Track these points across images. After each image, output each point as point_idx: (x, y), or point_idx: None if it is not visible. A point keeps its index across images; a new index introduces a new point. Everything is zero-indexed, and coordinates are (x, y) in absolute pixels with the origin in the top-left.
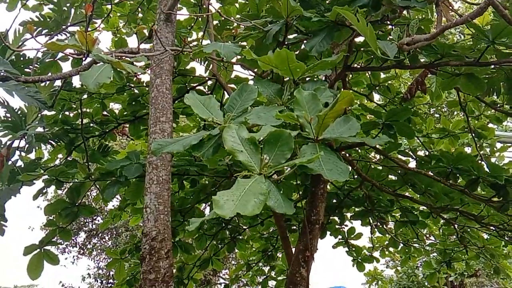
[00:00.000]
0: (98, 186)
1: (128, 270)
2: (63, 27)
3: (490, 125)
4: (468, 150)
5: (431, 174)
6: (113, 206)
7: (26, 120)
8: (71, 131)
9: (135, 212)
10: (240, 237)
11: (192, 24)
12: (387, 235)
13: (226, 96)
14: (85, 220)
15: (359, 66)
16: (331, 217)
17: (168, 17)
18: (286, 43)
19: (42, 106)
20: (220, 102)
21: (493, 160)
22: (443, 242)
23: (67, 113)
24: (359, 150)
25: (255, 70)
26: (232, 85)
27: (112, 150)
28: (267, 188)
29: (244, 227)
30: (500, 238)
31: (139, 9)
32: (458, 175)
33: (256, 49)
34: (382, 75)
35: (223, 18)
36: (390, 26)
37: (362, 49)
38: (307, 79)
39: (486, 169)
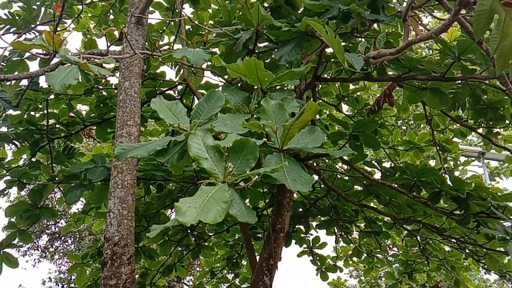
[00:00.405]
0: (61, 189)
1: (90, 275)
2: (32, 26)
3: (455, 139)
4: (432, 163)
5: (396, 185)
6: (77, 209)
7: None
8: (36, 131)
9: (98, 216)
10: (205, 244)
11: (164, 28)
12: (351, 245)
13: (196, 101)
14: (48, 223)
15: (328, 77)
16: (296, 226)
17: (139, 20)
18: (256, 51)
19: (7, 105)
20: (190, 107)
21: (456, 173)
22: (406, 253)
23: (32, 113)
24: (326, 160)
25: (225, 76)
26: (203, 91)
27: (77, 152)
28: (230, 196)
29: (210, 233)
30: (461, 251)
31: (111, 11)
32: (421, 187)
33: (226, 56)
34: (351, 86)
35: (195, 23)
36: (360, 38)
37: (332, 60)
38: (277, 87)
39: (449, 183)
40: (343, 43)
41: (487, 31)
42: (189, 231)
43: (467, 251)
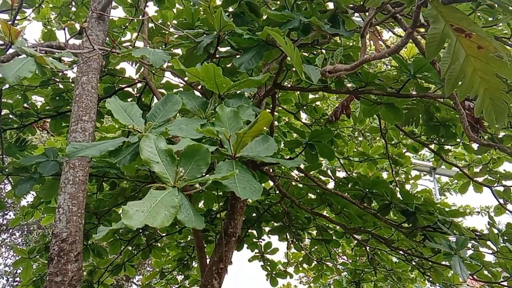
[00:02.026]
0: (11, 181)
1: (36, 271)
2: None
3: (407, 153)
4: (385, 175)
5: (348, 196)
6: (26, 202)
7: None
8: None
9: (48, 211)
10: (157, 244)
11: (127, 24)
12: (302, 251)
13: (156, 100)
14: None
15: (288, 85)
16: (249, 230)
17: (100, 15)
18: (217, 55)
19: None
20: (149, 106)
21: (407, 187)
22: (354, 263)
23: None
24: (282, 167)
25: (186, 78)
26: (162, 90)
27: (30, 145)
28: (179, 201)
29: (162, 234)
30: (407, 263)
31: (73, 3)
32: (372, 199)
33: (187, 59)
34: (310, 96)
35: (157, 24)
36: (321, 50)
37: (292, 69)
38: (235, 94)
39: (399, 196)
40: (304, 53)
41: (440, 51)
42: (140, 231)
43: (413, 263)
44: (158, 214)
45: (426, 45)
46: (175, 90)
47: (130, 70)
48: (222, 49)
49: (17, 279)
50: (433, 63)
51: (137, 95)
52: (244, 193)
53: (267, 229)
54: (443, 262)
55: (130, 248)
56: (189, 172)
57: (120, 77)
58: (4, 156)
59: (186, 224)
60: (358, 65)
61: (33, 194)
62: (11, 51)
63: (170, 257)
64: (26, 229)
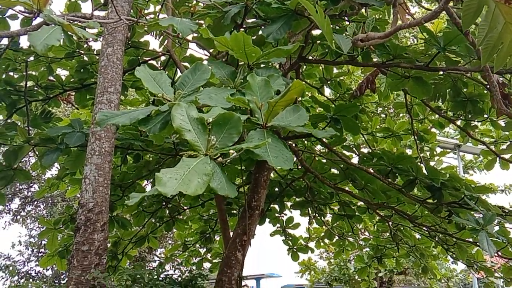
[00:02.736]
0: (37, 153)
1: (61, 241)
2: None
3: (433, 129)
4: (409, 152)
5: (372, 171)
6: (51, 175)
7: None
8: (14, 92)
9: (73, 183)
10: (180, 217)
11: None
12: (324, 227)
13: (179, 73)
14: (20, 187)
15: (313, 59)
16: (271, 205)
17: None
18: (244, 26)
19: None
20: (171, 79)
21: (432, 163)
22: (377, 238)
23: (11, 73)
24: (305, 142)
25: (211, 50)
26: (186, 64)
27: (55, 117)
28: (211, 169)
29: (185, 207)
30: (431, 239)
31: None
32: (397, 174)
33: (213, 29)
34: (335, 70)
35: None
36: (347, 22)
37: (318, 41)
38: (262, 65)
39: (425, 171)
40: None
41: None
42: (164, 203)
43: (436, 239)
44: (191, 181)
45: (463, 13)
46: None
47: (153, 43)
48: (249, 20)
49: (42, 250)
50: (466, 34)
51: (161, 68)
52: (276, 161)
53: (289, 204)
54: (468, 239)
55: (153, 220)
56: (220, 140)
57: (144, 50)
58: (30, 128)
59: (219, 191)
60: (392, 32)
61: (57, 167)
62: (38, 20)
63: (192, 230)
64: (50, 201)
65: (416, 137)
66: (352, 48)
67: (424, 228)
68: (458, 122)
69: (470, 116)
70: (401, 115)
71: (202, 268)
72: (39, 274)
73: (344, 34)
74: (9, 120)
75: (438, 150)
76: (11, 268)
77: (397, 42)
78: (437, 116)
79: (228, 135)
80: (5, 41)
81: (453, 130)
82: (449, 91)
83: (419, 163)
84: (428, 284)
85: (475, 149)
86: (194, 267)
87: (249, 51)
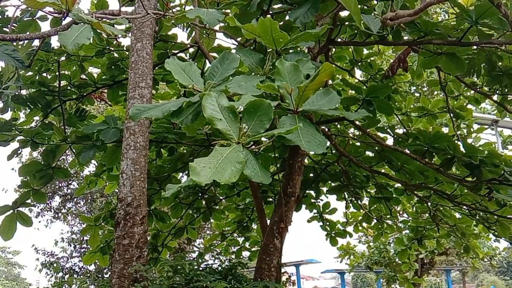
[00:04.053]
0: (74, 150)
1: (102, 237)
2: None
3: (469, 106)
4: (445, 130)
5: (408, 152)
6: (89, 172)
7: (2, 79)
8: (48, 93)
9: (110, 179)
10: (216, 207)
11: None
12: (361, 210)
13: (208, 64)
14: (60, 185)
15: (342, 41)
16: (307, 191)
17: None
18: (270, 12)
19: (19, 65)
20: (201, 70)
21: (469, 141)
22: (416, 220)
23: (44, 74)
24: (338, 125)
25: (238, 39)
26: (214, 54)
27: (89, 115)
28: (244, 157)
29: (221, 197)
30: (471, 218)
31: None
32: (434, 153)
33: (240, 17)
34: (365, 51)
35: None
36: (375, 1)
37: (346, 23)
38: (290, 50)
39: (462, 149)
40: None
41: None
42: (200, 194)
43: (477, 218)
44: (225, 169)
45: None
46: None
47: (181, 36)
48: (275, 6)
49: (84, 245)
50: (498, 6)
51: (190, 60)
52: (309, 146)
53: (325, 189)
54: (510, 216)
55: (190, 211)
56: (252, 127)
57: (173, 43)
58: (66, 127)
59: (253, 178)
60: (422, 9)
61: (95, 164)
62: (67, 20)
63: (230, 220)
64: (90, 198)
65: (452, 115)
66: (382, 28)
67: (464, 207)
68: (495, 97)
69: (506, 90)
70: (435, 93)
71: (241, 257)
72: (82, 269)
73: (372, 14)
74: (45, 121)
75: (475, 126)
76: (55, 264)
77: (427, 18)
78: (472, 92)
79: (259, 122)
80: (36, 42)
81: (489, 106)
82: (484, 65)
83: (456, 141)
84: (470, 263)
85: None
86: (233, 256)
87: (276, 36)
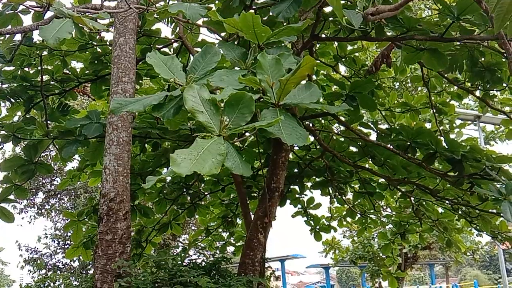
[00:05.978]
0: (56, 146)
1: (85, 233)
2: None
3: (451, 101)
4: (428, 125)
5: (391, 147)
6: (72, 167)
7: None
8: (31, 88)
9: (94, 174)
10: (201, 203)
11: None
12: (345, 205)
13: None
14: (43, 181)
15: (326, 36)
16: (291, 186)
17: None
18: (253, 7)
19: (1, 59)
20: (185, 66)
21: (452, 136)
22: (399, 214)
23: (26, 69)
24: (322, 121)
25: (222, 34)
26: (198, 49)
27: (72, 109)
28: (225, 149)
29: (205, 192)
30: (454, 212)
31: None
32: (416, 148)
33: (223, 12)
34: (349, 47)
35: None
36: None
37: (330, 18)
38: (274, 44)
39: (444, 144)
40: (341, 1)
41: None
42: (184, 189)
43: (460, 212)
44: (206, 161)
45: None
46: None
47: (165, 31)
48: (258, 1)
49: (68, 241)
50: (479, 1)
51: (174, 55)
52: (289, 139)
53: (309, 184)
54: (491, 210)
55: (175, 207)
56: (233, 120)
57: (157, 38)
58: (48, 122)
59: (233, 170)
60: (403, 4)
61: (78, 160)
62: (49, 14)
63: (214, 215)
64: (73, 194)
65: (434, 110)
66: (365, 23)
67: (446, 201)
68: (477, 93)
69: (488, 85)
70: (419, 89)
71: (226, 252)
72: (66, 265)
73: (355, 9)
74: (27, 115)
75: (458, 122)
76: (38, 261)
77: (411, 14)
78: (455, 87)
79: (240, 115)
80: (18, 36)
81: (472, 101)
82: (466, 61)
83: (438, 136)
84: (453, 257)
85: (495, 119)
86: (217, 251)
87: (258, 31)
